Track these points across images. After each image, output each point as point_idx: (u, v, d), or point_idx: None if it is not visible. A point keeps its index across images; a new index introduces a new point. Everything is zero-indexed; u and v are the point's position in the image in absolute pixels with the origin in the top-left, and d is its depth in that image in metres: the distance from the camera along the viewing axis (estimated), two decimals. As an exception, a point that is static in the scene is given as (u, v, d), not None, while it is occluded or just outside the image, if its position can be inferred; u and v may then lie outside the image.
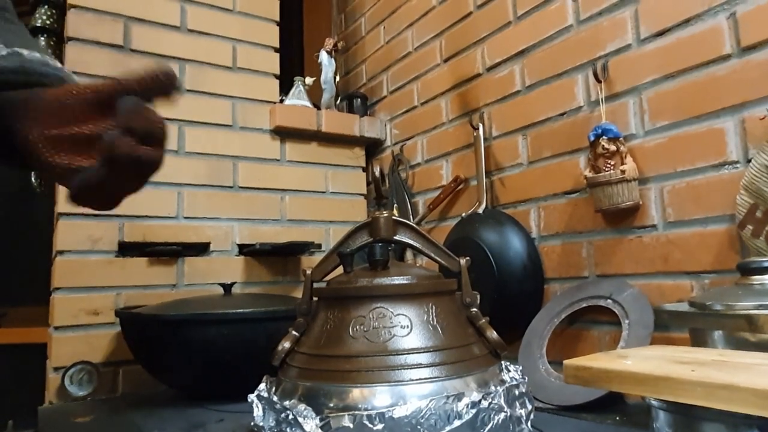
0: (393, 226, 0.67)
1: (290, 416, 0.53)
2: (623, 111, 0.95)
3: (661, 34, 0.91)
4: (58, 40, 1.30)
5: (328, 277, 0.68)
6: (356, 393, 0.54)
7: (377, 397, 0.53)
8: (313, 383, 0.57)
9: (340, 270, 0.67)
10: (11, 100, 0.46)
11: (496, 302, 1.07)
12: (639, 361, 0.54)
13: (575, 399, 0.84)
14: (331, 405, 0.53)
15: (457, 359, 0.58)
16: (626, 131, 0.94)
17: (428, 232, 1.38)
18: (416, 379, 0.54)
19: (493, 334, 0.62)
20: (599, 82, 0.97)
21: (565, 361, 0.57)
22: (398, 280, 0.62)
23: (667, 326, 0.84)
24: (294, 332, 0.64)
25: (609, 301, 0.93)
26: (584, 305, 0.97)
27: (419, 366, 0.55)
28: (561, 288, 1.06)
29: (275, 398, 0.57)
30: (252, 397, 0.60)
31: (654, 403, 0.54)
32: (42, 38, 1.29)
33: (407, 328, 0.58)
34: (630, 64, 0.95)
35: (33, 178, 1.29)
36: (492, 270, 1.09)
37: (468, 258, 0.66)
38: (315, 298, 0.67)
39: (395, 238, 0.67)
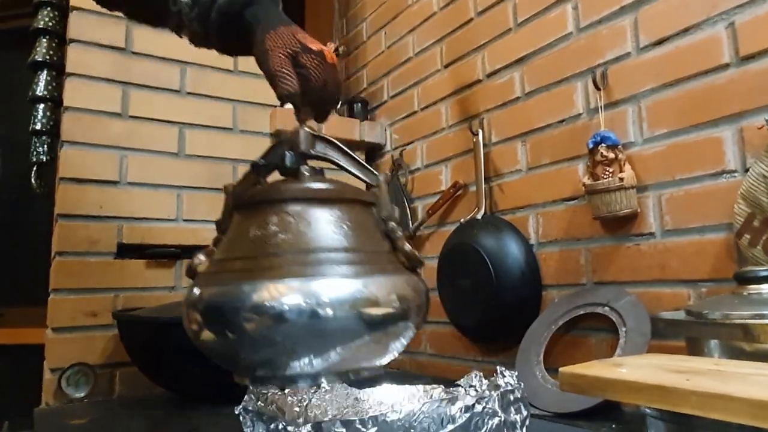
0: (312, 139, 0.66)
1: (280, 426, 0.52)
2: (622, 119, 0.96)
3: (660, 42, 0.91)
4: (59, 42, 1.31)
5: None
6: (269, 289, 0.54)
7: (288, 296, 0.53)
8: (220, 287, 0.56)
9: None
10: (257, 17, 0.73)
11: (493, 308, 1.07)
12: (634, 370, 0.54)
13: (572, 406, 0.83)
14: (242, 306, 0.53)
15: (370, 261, 0.58)
16: (625, 139, 0.94)
17: (427, 238, 1.39)
18: (328, 275, 0.54)
19: (408, 248, 0.62)
20: (598, 89, 0.97)
21: (561, 369, 0.57)
22: (310, 185, 0.62)
23: (664, 334, 0.83)
24: (212, 247, 0.64)
25: (606, 308, 0.93)
26: (582, 312, 0.97)
27: (330, 262, 0.55)
28: (559, 295, 1.06)
29: (260, 405, 0.57)
30: (239, 409, 0.60)
31: (648, 411, 0.54)
32: (44, 40, 1.30)
33: (317, 230, 0.58)
34: (629, 72, 0.95)
35: (33, 180, 1.29)
36: (490, 276, 1.09)
37: (387, 173, 0.66)
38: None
39: (312, 152, 0.66)
